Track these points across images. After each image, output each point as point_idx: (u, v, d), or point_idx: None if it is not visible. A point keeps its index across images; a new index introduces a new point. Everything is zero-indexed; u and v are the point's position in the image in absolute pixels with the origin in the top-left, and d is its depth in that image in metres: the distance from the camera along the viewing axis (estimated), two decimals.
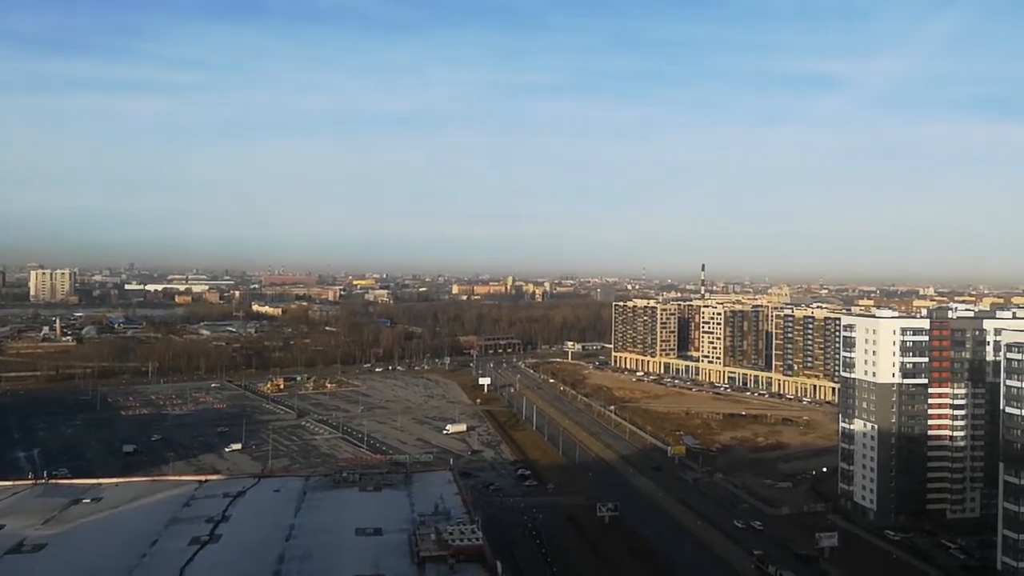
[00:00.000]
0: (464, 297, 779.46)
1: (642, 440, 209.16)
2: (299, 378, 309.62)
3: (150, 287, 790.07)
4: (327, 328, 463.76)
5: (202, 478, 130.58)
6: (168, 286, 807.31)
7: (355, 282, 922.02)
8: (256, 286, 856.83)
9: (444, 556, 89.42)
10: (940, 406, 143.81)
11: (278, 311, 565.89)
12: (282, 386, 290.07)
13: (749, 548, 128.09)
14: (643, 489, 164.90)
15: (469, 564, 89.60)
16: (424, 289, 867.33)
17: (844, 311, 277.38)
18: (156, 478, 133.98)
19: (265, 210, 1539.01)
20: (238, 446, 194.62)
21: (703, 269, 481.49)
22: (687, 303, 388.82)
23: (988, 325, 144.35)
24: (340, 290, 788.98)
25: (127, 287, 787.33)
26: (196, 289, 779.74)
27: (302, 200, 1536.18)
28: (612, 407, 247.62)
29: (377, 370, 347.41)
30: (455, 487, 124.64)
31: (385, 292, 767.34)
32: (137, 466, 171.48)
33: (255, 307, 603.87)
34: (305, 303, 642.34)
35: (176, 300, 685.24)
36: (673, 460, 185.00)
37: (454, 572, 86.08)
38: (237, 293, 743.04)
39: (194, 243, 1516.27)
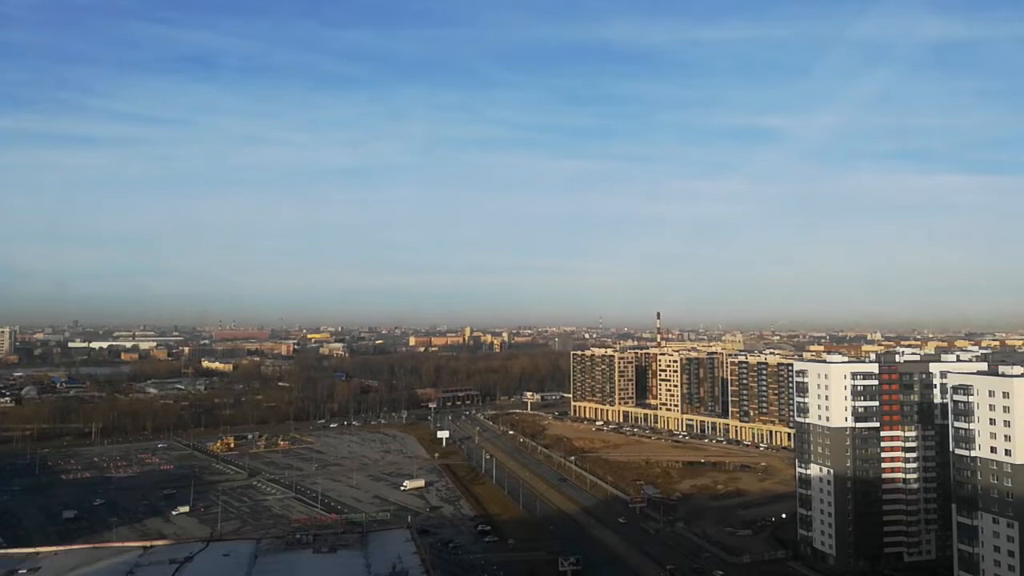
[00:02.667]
0: (421, 349, 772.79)
1: (603, 491, 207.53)
2: (250, 436, 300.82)
3: (95, 344, 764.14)
4: (280, 383, 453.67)
5: (147, 544, 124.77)
6: (114, 343, 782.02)
7: (309, 336, 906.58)
8: (206, 341, 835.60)
9: None
10: (892, 449, 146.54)
11: (229, 367, 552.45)
12: (232, 445, 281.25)
13: None
14: (605, 541, 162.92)
15: None
16: (380, 342, 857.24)
17: (796, 357, 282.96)
18: (98, 545, 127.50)
19: (215, 264, 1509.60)
20: (186, 509, 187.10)
21: (658, 317, 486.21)
22: (644, 351, 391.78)
23: (934, 368, 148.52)
24: (294, 344, 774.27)
25: (71, 345, 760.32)
26: (143, 346, 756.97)
27: (253, 253, 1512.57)
28: (572, 458, 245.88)
29: (332, 426, 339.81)
30: (413, 546, 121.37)
31: (340, 345, 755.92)
32: (78, 533, 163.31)
33: (205, 363, 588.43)
34: (257, 358, 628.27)
35: (122, 358, 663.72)
36: (634, 510, 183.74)
37: None
38: (186, 349, 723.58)
39: (141, 299, 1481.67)
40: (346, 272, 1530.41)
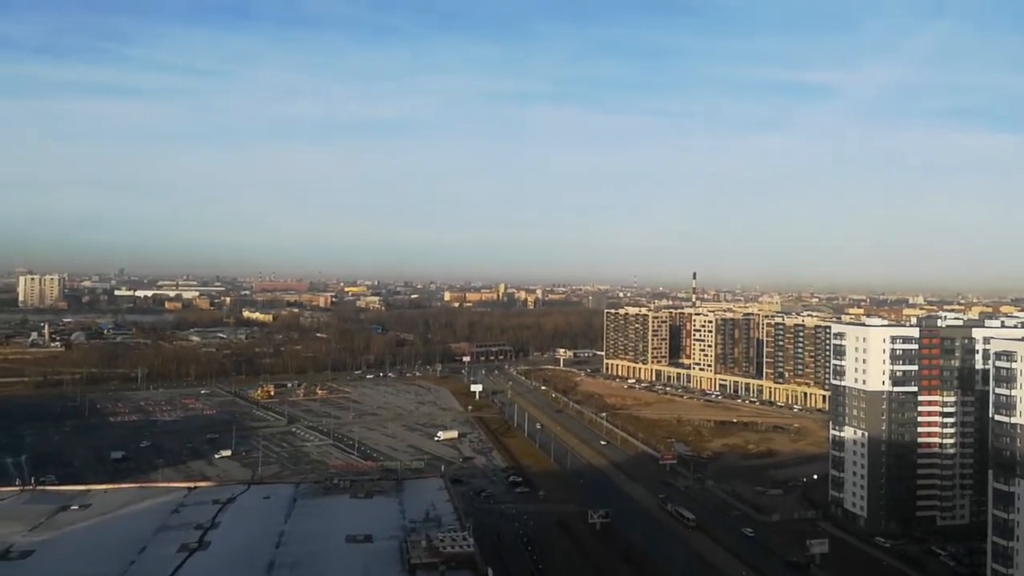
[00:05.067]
0: (456, 304, 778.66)
1: (634, 447, 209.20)
2: (290, 385, 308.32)
3: (140, 293, 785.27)
4: (318, 335, 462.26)
5: (191, 485, 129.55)
6: (158, 292, 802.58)
7: (346, 289, 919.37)
8: (247, 292, 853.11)
9: (435, 563, 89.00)
10: (930, 414, 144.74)
11: (269, 317, 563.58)
12: (272, 392, 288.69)
13: (740, 555, 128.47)
14: (635, 496, 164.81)
15: (460, 571, 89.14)
16: (416, 296, 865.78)
17: (834, 319, 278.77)
18: (145, 485, 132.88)
19: (256, 216, 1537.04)
20: (228, 452, 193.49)
21: (694, 277, 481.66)
22: (678, 311, 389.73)
23: (977, 334, 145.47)
24: (331, 297, 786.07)
25: (116, 293, 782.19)
26: (186, 295, 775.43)
27: (293, 206, 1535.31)
28: (603, 414, 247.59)
29: (368, 377, 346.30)
30: (446, 494, 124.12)
31: (377, 299, 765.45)
32: (126, 473, 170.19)
33: (246, 313, 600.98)
34: (296, 309, 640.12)
35: (166, 306, 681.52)
36: (665, 467, 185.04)
37: None
38: (227, 299, 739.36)
39: (184, 248, 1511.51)
40: (383, 226, 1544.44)
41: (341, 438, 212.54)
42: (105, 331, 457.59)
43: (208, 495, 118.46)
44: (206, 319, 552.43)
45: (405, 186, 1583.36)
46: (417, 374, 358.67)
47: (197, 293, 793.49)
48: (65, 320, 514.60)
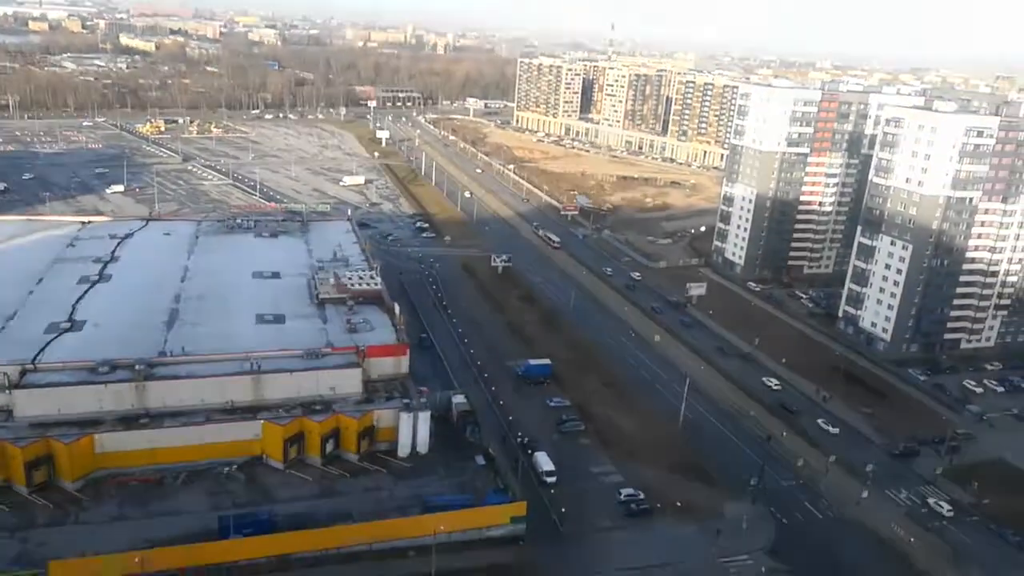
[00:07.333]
0: (360, 43, 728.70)
1: (538, 199, 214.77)
2: (181, 121, 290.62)
3: None
4: (208, 68, 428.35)
5: (85, 219, 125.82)
6: (19, 10, 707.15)
7: (236, 19, 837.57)
8: (123, 16, 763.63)
9: (343, 299, 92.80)
10: (816, 174, 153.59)
11: (151, 46, 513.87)
12: (163, 128, 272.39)
13: (627, 296, 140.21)
14: (536, 244, 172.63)
15: (368, 306, 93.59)
16: (315, 32, 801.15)
17: (744, 80, 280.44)
18: (33, 217, 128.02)
19: None
20: (120, 188, 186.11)
21: (612, 28, 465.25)
22: (593, 64, 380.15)
23: (873, 100, 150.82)
24: (220, 27, 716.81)
25: None
26: (53, 15, 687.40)
27: None
28: (511, 166, 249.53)
29: (267, 117, 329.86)
30: (353, 236, 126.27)
31: (272, 32, 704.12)
32: (10, 205, 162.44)
33: (124, 40, 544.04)
34: (181, 39, 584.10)
35: (30, 27, 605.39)
36: (566, 218, 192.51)
37: (353, 313, 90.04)
38: (102, 23, 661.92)
39: None
40: None
41: (241, 179, 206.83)
42: None
43: (104, 230, 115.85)
44: (79, 44, 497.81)
45: None
46: (319, 116, 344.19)
47: (66, 14, 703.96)
48: None
